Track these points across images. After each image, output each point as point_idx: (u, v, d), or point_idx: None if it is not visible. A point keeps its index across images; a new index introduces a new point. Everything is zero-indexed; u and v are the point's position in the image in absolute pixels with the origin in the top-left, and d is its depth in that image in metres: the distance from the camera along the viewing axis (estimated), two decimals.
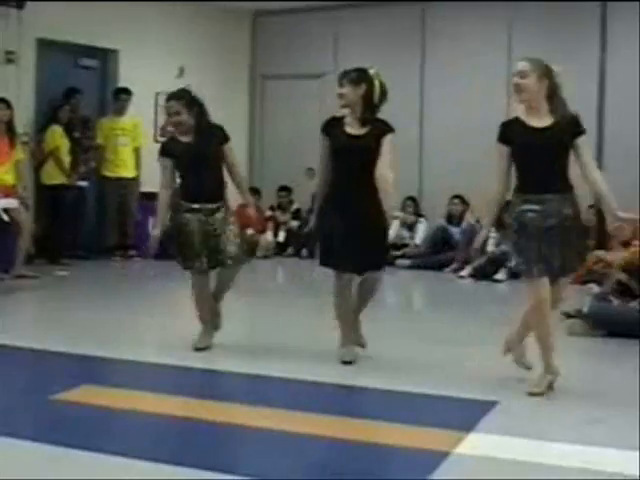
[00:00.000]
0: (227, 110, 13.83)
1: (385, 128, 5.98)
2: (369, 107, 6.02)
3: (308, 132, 13.96)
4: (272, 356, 6.30)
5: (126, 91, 12.38)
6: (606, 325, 7.20)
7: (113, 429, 4.66)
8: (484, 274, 11.30)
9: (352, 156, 5.94)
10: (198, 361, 6.10)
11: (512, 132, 5.40)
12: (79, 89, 11.95)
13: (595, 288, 8.16)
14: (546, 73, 5.36)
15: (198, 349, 6.42)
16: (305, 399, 5.25)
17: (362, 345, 6.31)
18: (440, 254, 12.14)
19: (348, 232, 5.93)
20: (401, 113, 13.06)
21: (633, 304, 7.12)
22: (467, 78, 12.64)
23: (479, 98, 12.37)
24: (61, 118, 11.50)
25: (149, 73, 12.80)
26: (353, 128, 6.02)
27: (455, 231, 12.26)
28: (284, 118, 14.25)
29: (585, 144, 5.33)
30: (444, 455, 4.14)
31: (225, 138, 6.43)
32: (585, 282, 9.91)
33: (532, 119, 5.36)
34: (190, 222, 6.29)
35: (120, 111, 12.37)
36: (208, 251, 6.32)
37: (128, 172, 12.34)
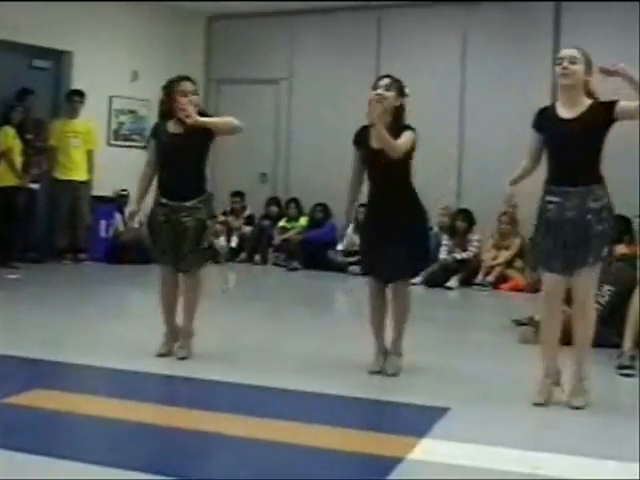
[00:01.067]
0: None
1: (403, 128, 5.95)
2: (398, 120, 6.01)
3: (262, 137, 14.03)
4: (225, 361, 6.30)
5: (79, 93, 12.31)
6: None
7: (66, 433, 4.63)
8: (436, 281, 11.41)
9: (377, 167, 5.98)
10: (151, 366, 6.06)
11: (544, 121, 5.43)
12: (32, 90, 11.88)
13: None
14: (590, 67, 5.35)
15: (160, 355, 6.40)
16: (253, 404, 5.22)
17: (398, 354, 6.20)
18: None
19: (377, 240, 5.98)
20: (356, 118, 13.16)
21: None
22: (422, 84, 12.62)
23: (434, 103, 12.44)
24: (14, 119, 11.43)
25: (103, 76, 12.78)
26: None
27: None
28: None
29: (625, 102, 5.15)
30: (397, 460, 4.15)
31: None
32: (536, 290, 10.02)
33: (564, 109, 5.35)
34: (160, 216, 6.31)
35: (73, 113, 12.30)
36: (174, 250, 6.31)
37: (80, 175, 12.26)
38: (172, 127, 6.36)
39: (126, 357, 6.27)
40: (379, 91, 5.94)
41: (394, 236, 5.90)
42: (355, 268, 12.27)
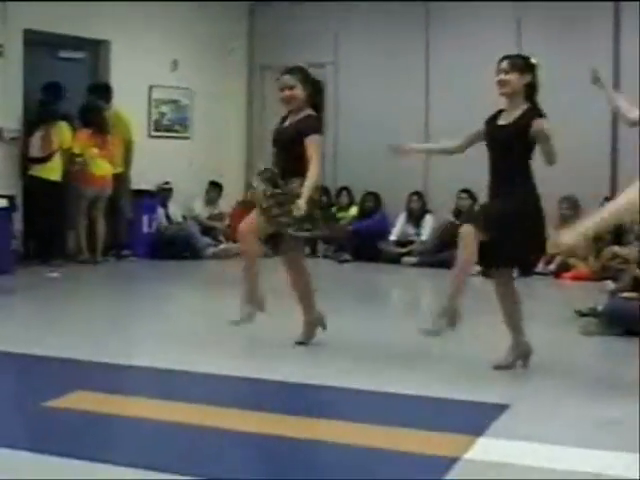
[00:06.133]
0: (225, 102, 13.91)
1: (534, 113, 5.88)
2: (531, 99, 5.98)
3: None
4: (286, 360, 6.34)
5: (105, 87, 12.22)
6: (622, 324, 7.20)
7: (109, 436, 4.67)
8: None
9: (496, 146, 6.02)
10: (197, 365, 6.06)
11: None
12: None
13: (610, 285, 8.17)
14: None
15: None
16: (300, 402, 5.32)
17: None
18: (448, 251, 12.13)
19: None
20: (409, 105, 13.18)
21: None
22: (473, 69, 12.55)
23: (485, 92, 12.34)
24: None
25: (142, 65, 12.75)
26: (504, 119, 6.01)
27: None
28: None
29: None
30: (453, 460, 4.16)
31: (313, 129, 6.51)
32: (600, 279, 9.93)
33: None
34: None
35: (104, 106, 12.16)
36: None
37: (115, 167, 12.10)
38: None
39: (169, 356, 6.31)
40: (500, 77, 5.93)
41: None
42: (409, 259, 12.31)
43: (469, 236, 5.77)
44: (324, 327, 6.68)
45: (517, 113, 5.89)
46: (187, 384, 5.78)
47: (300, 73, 6.55)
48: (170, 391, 5.56)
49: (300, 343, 6.60)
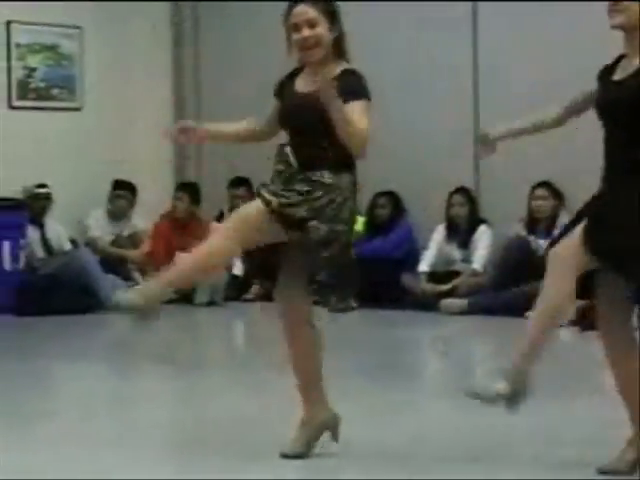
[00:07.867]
0: (138, 49, 13.70)
1: None
2: None
3: None
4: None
5: None
6: None
7: None
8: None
9: (609, 114, 5.86)
10: None
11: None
12: None
13: None
14: None
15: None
16: None
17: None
18: (518, 286, 11.90)
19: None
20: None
21: None
22: None
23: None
24: None
25: None
26: (623, 70, 5.85)
27: (543, 244, 12.04)
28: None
29: None
30: None
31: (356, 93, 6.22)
32: None
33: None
34: None
35: None
36: None
37: None
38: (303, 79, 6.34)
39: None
40: None
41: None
42: (453, 302, 12.06)
43: (563, 262, 5.69)
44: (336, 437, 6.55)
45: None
46: None
47: (324, 3, 6.25)
48: None
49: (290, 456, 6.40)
